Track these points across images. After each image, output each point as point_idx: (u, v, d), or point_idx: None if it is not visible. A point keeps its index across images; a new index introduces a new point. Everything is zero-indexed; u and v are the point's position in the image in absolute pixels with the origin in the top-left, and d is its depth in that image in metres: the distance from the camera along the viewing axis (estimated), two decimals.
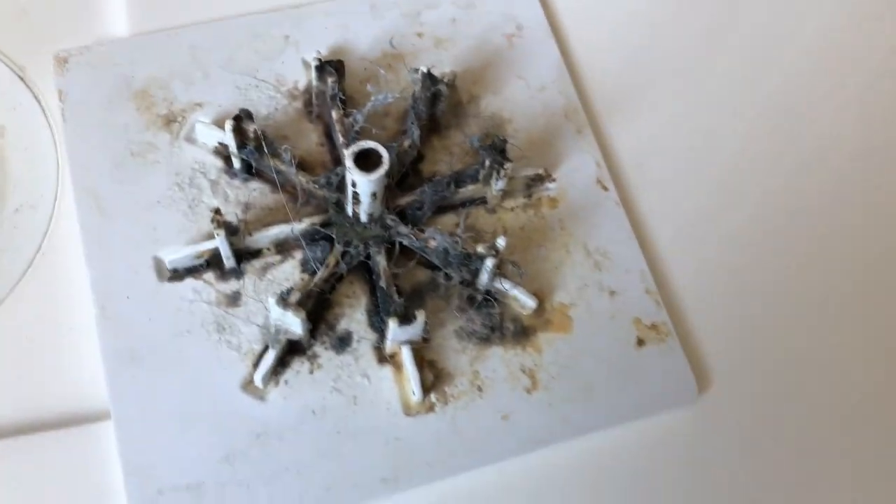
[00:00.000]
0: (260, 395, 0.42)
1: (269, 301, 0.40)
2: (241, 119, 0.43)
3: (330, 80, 0.45)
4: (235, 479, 0.40)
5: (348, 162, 0.40)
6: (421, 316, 0.40)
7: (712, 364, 0.45)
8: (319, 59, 0.45)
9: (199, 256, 0.43)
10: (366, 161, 0.40)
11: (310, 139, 0.48)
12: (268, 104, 0.48)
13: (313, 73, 0.46)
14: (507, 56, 0.51)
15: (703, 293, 0.47)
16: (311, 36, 0.50)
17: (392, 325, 0.40)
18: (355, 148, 0.40)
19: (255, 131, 0.43)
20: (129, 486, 0.39)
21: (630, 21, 0.54)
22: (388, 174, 0.40)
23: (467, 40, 0.52)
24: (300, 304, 0.40)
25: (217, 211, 0.41)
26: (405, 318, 0.40)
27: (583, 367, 0.44)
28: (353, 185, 0.41)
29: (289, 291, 0.41)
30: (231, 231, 0.41)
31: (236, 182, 0.46)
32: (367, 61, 0.50)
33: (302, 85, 0.49)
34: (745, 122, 0.51)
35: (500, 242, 0.41)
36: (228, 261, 0.43)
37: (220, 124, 0.45)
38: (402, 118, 0.49)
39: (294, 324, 0.41)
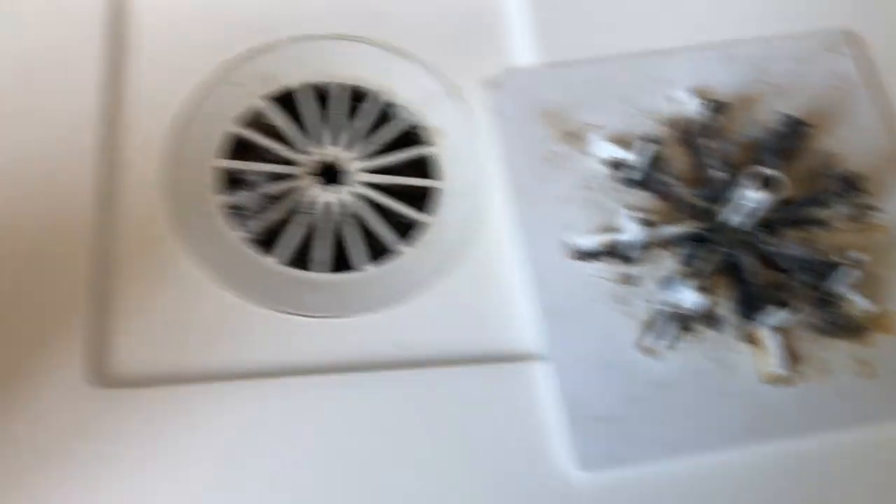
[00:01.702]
0: (653, 355, 0.54)
1: (688, 282, 0.52)
2: (647, 140, 0.56)
3: (715, 115, 0.57)
4: (640, 415, 0.52)
5: (754, 182, 0.52)
6: (794, 307, 0.51)
7: None
8: (711, 99, 0.57)
9: (603, 244, 0.56)
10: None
11: (680, 161, 0.60)
12: (645, 130, 0.61)
13: (699, 108, 0.58)
14: (837, 104, 0.62)
15: None
16: (678, 77, 0.62)
17: (772, 310, 0.51)
18: (759, 171, 0.52)
19: (655, 151, 0.56)
20: (563, 413, 0.52)
21: None
22: None
23: (803, 89, 0.63)
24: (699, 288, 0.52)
25: (636, 209, 0.53)
26: (783, 306, 0.51)
27: None
28: (748, 199, 0.53)
29: (692, 276, 0.53)
30: (647, 225, 0.54)
31: (625, 189, 0.59)
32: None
33: (672, 115, 0.61)
34: None
35: (861, 256, 0.53)
36: (628, 250, 0.56)
37: (614, 141, 0.58)
38: (749, 149, 0.60)
39: (692, 301, 0.53)
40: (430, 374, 0.53)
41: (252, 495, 0.50)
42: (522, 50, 0.64)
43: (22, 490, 0.49)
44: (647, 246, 0.57)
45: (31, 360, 0.51)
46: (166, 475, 0.49)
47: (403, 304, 0.56)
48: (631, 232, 0.54)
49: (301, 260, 0.59)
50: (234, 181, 0.60)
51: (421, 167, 0.63)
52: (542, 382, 0.53)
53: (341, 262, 0.59)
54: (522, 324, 0.55)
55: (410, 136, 0.64)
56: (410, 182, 0.61)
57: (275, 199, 0.59)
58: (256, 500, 0.50)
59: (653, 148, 0.56)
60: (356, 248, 0.58)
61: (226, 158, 0.60)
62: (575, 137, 0.60)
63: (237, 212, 0.58)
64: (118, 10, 0.62)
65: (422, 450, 0.52)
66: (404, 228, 0.61)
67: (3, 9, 0.60)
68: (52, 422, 0.50)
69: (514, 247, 0.57)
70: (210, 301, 0.54)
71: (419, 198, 0.61)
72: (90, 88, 0.58)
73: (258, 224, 0.58)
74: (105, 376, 0.52)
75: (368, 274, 0.58)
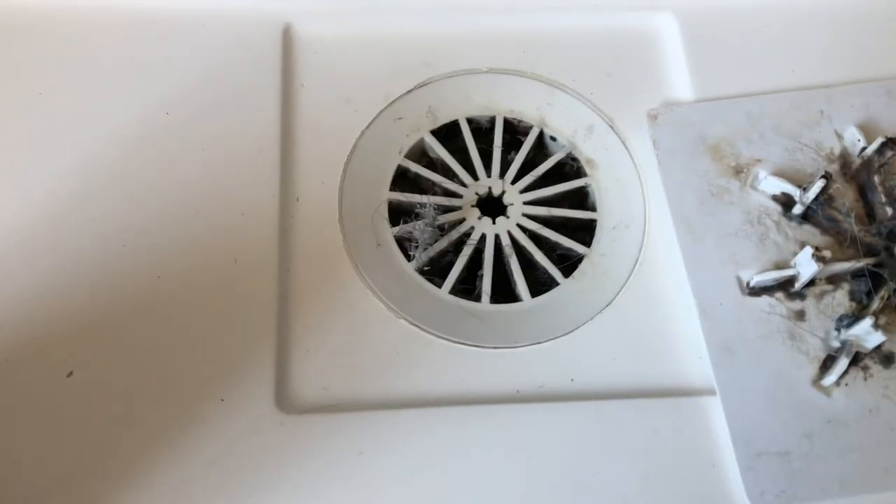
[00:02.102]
0: (826, 392, 0.54)
1: (865, 319, 0.52)
2: (827, 177, 0.56)
3: (889, 153, 0.57)
4: (814, 451, 0.52)
5: None
6: None
7: None
8: (886, 137, 0.57)
9: (775, 279, 0.56)
10: None
11: (847, 196, 0.60)
12: (810, 165, 0.61)
13: (866, 143, 0.58)
14: None
15: None
16: (840, 112, 0.62)
17: None
18: None
19: (824, 186, 0.56)
20: (736, 448, 0.52)
21: None
22: None
23: None
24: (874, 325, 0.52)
25: (818, 248, 0.53)
26: None
27: None
28: None
29: (865, 312, 0.53)
30: (820, 261, 0.54)
31: (793, 224, 0.59)
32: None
33: (837, 150, 0.61)
34: None
35: None
36: (800, 285, 0.56)
37: (780, 176, 0.58)
38: None
39: (869, 338, 0.52)
40: (599, 406, 0.54)
41: None
42: (678, 84, 0.65)
43: None
44: (815, 281, 0.57)
45: (219, 387, 0.54)
46: (343, 500, 0.51)
47: (569, 335, 0.57)
48: (804, 267, 0.55)
49: (465, 289, 0.60)
50: (397, 212, 0.62)
51: (575, 197, 0.64)
52: (714, 417, 0.54)
53: (502, 292, 0.60)
54: (689, 358, 0.56)
55: (565, 167, 0.65)
56: (569, 214, 0.62)
57: (441, 229, 0.61)
58: None
59: (822, 183, 0.56)
60: (518, 278, 0.60)
61: (393, 191, 0.62)
62: (740, 172, 0.61)
63: (406, 242, 0.60)
64: (288, 55, 0.64)
65: (590, 482, 0.52)
66: (561, 259, 0.62)
67: (191, 66, 0.63)
68: (243, 445, 0.52)
69: (679, 280, 0.58)
70: (385, 329, 0.56)
71: (574, 229, 0.62)
72: (269, 126, 0.61)
73: (426, 254, 0.60)
74: (287, 403, 0.54)
75: (531, 304, 0.59)
